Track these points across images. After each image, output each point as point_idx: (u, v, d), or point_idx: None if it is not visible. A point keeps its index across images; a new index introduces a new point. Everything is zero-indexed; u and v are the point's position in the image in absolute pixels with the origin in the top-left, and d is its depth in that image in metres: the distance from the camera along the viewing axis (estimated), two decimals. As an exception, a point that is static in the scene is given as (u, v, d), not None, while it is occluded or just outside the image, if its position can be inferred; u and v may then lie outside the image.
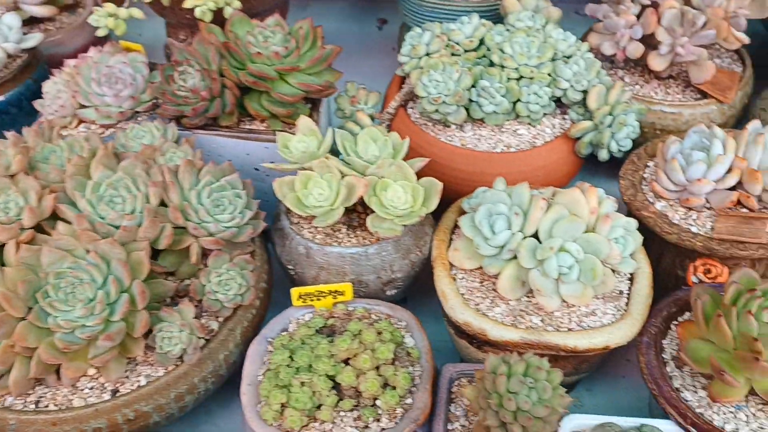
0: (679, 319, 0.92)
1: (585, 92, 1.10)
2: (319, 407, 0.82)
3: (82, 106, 1.09)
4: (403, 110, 1.15)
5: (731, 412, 0.82)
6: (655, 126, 1.19)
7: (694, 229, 0.98)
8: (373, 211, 0.93)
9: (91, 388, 0.84)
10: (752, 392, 0.82)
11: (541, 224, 0.89)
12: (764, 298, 0.80)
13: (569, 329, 0.88)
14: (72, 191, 0.86)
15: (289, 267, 0.97)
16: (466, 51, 1.13)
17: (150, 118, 1.08)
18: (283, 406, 0.81)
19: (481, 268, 0.93)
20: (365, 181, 0.90)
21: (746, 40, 1.15)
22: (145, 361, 0.86)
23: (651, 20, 1.12)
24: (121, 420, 0.82)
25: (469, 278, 0.95)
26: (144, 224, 0.83)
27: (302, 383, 0.81)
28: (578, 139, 1.11)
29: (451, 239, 0.99)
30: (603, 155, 1.11)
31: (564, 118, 1.14)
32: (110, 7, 1.05)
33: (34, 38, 1.21)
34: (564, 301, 0.90)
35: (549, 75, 1.10)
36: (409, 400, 0.83)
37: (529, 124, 1.12)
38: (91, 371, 0.85)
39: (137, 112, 1.10)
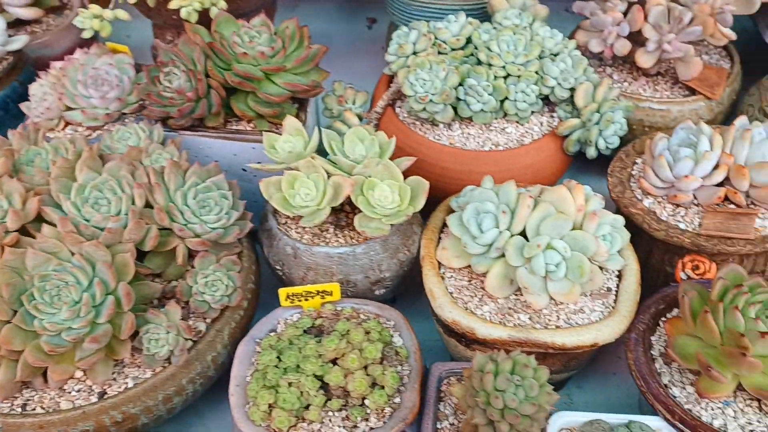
0: (668, 315, 0.93)
1: (572, 90, 1.10)
2: (307, 407, 0.81)
3: (69, 108, 1.09)
4: (391, 109, 1.15)
5: (719, 408, 0.82)
6: (643, 123, 1.19)
7: (682, 226, 0.98)
8: (360, 211, 0.93)
9: (79, 391, 0.83)
10: (740, 388, 0.82)
11: (528, 222, 0.89)
12: (751, 294, 0.81)
13: (557, 327, 0.88)
14: (57, 193, 0.85)
15: (277, 267, 0.97)
16: (453, 49, 1.13)
17: (137, 120, 1.07)
18: (270, 406, 0.81)
19: (469, 266, 0.93)
20: (352, 181, 0.90)
21: (733, 36, 1.15)
22: (132, 363, 0.85)
23: (638, 17, 1.12)
24: (109, 422, 0.82)
25: (457, 277, 0.95)
26: (129, 226, 0.83)
27: (290, 384, 0.81)
28: (566, 136, 1.11)
29: (439, 238, 0.99)
30: (591, 153, 1.11)
31: (552, 116, 1.15)
32: (95, 8, 1.05)
33: (20, 40, 1.21)
34: (552, 298, 0.90)
35: (536, 73, 1.10)
36: (397, 400, 0.83)
37: (517, 122, 1.12)
38: (78, 374, 0.84)
39: (124, 113, 1.10)
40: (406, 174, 0.97)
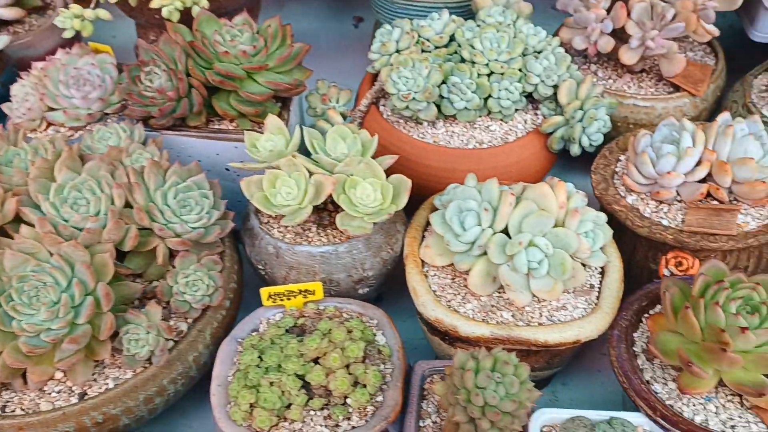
0: (651, 311, 0.93)
1: (556, 87, 1.10)
2: (288, 407, 0.81)
3: (50, 109, 1.08)
4: (375, 108, 1.14)
5: (701, 404, 0.82)
6: (628, 120, 1.19)
7: (665, 222, 0.98)
8: (342, 210, 0.93)
9: (59, 392, 0.83)
10: (722, 383, 0.82)
11: (511, 220, 0.89)
12: (732, 290, 0.81)
13: (540, 324, 0.88)
14: (35, 194, 0.85)
15: (259, 267, 0.97)
16: (436, 47, 1.13)
17: (119, 120, 1.07)
18: (252, 406, 0.81)
19: (452, 264, 0.93)
20: (333, 179, 0.90)
21: (716, 32, 1.15)
22: (113, 364, 0.85)
23: (621, 14, 1.12)
24: (90, 423, 0.82)
25: (441, 275, 0.95)
26: (108, 226, 0.82)
27: (271, 383, 0.81)
28: (550, 134, 1.11)
29: (423, 236, 0.99)
30: (575, 150, 1.11)
31: (536, 114, 1.14)
32: (76, 8, 1.04)
33: (2, 41, 1.20)
34: (534, 296, 0.90)
35: (520, 70, 1.10)
36: (380, 398, 0.83)
37: (501, 120, 1.12)
38: (59, 375, 0.84)
39: (106, 113, 1.09)
40: (390, 172, 0.96)
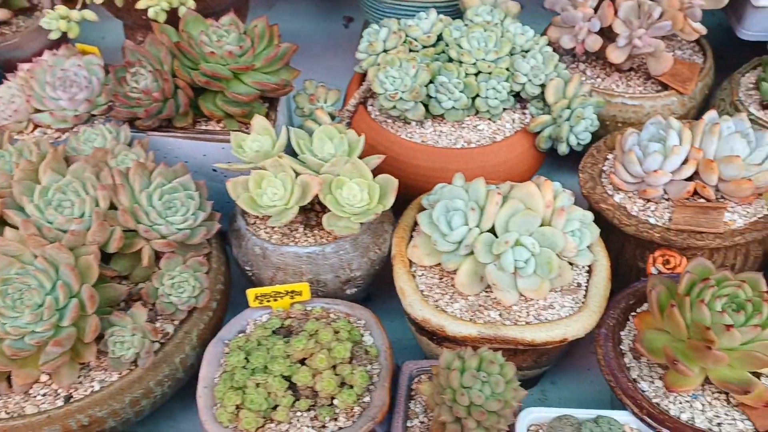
0: (638, 310, 0.93)
1: (543, 86, 1.10)
2: (275, 408, 0.81)
3: (37, 111, 1.08)
4: (363, 108, 1.14)
5: (687, 402, 0.82)
6: (616, 119, 1.20)
7: (652, 221, 0.98)
8: (329, 210, 0.92)
9: (44, 395, 0.83)
10: (708, 381, 0.82)
11: (497, 219, 0.89)
12: (717, 288, 0.81)
13: (527, 323, 0.88)
14: (19, 196, 0.85)
15: (246, 268, 0.97)
16: (424, 47, 1.13)
17: (107, 121, 1.07)
18: (238, 407, 0.80)
19: (440, 264, 0.93)
20: (320, 180, 0.90)
21: (703, 30, 1.16)
22: (98, 367, 0.85)
23: (608, 12, 1.12)
24: (75, 426, 0.82)
25: (428, 275, 0.95)
26: (92, 228, 0.82)
27: (257, 384, 0.81)
28: (538, 133, 1.11)
29: (411, 236, 0.99)
30: (562, 149, 1.11)
31: (524, 113, 1.14)
32: (62, 9, 1.04)
33: (-12, 42, 1.20)
34: (522, 295, 0.90)
35: (507, 70, 1.10)
36: (367, 399, 0.83)
37: (489, 119, 1.12)
38: (44, 378, 0.84)
39: (93, 115, 1.09)
40: (379, 172, 0.96)
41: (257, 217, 0.97)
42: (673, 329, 0.82)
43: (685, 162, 0.99)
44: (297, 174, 0.91)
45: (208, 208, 0.92)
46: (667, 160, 0.98)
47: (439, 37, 1.14)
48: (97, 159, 0.90)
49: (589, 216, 0.94)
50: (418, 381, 0.88)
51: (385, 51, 1.11)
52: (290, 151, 0.98)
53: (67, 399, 0.82)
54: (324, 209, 0.97)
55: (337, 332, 0.86)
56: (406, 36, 1.13)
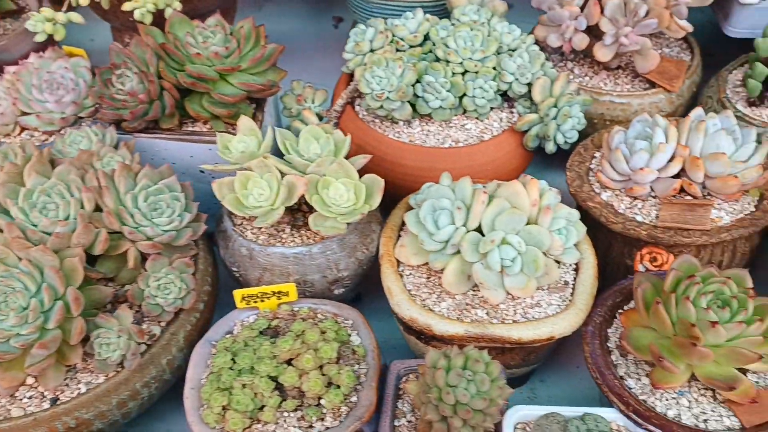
0: (625, 307, 0.93)
1: (530, 85, 1.11)
2: (261, 408, 0.81)
3: (24, 113, 1.08)
4: (350, 108, 1.14)
5: (674, 398, 0.82)
6: (604, 117, 1.20)
7: (639, 218, 0.99)
8: (316, 210, 0.92)
9: (30, 398, 0.83)
10: (695, 378, 0.82)
11: (483, 218, 0.89)
12: (703, 284, 0.81)
13: (514, 321, 0.89)
14: (4, 199, 0.84)
15: (233, 269, 0.97)
16: (411, 46, 1.13)
17: (94, 124, 1.07)
18: (224, 408, 0.80)
19: (427, 263, 0.93)
20: (305, 180, 0.90)
21: (690, 28, 1.16)
22: (85, 369, 0.85)
23: (594, 11, 1.12)
24: (62, 428, 0.81)
25: (416, 274, 0.95)
26: (77, 230, 0.82)
27: (244, 385, 0.81)
28: (525, 132, 1.11)
29: (399, 236, 0.99)
30: (550, 147, 1.11)
31: (512, 112, 1.15)
32: (47, 11, 1.04)
33: (-25, 45, 1.20)
34: (509, 293, 0.90)
35: (494, 69, 1.10)
36: (354, 398, 0.83)
37: (477, 118, 1.12)
38: (30, 380, 0.83)
39: (80, 117, 1.09)
40: (367, 172, 0.96)
41: (244, 217, 0.97)
42: (658, 326, 0.82)
43: (671, 159, 0.99)
44: (283, 174, 0.91)
45: (194, 210, 0.92)
46: (654, 158, 0.98)
47: (426, 37, 1.14)
48: (82, 161, 0.90)
49: (576, 214, 0.94)
50: (406, 380, 0.88)
51: (371, 51, 1.12)
52: (278, 151, 0.98)
53: (54, 401, 0.82)
54: (311, 210, 0.97)
55: (323, 332, 0.86)
56: (393, 36, 1.13)
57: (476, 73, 1.09)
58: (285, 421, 0.81)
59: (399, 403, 0.86)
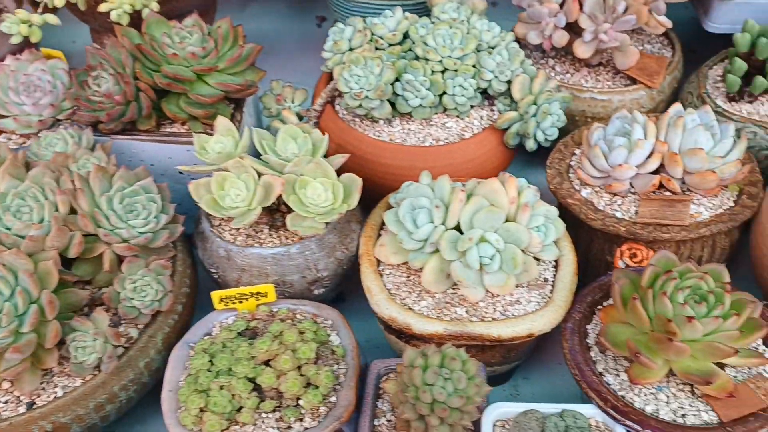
0: (604, 304, 0.93)
1: (510, 83, 1.10)
2: (239, 410, 0.81)
3: (1, 116, 1.07)
4: (330, 107, 1.14)
5: (652, 394, 0.82)
6: (586, 114, 1.20)
7: (618, 215, 0.99)
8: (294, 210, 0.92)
9: (6, 402, 0.82)
10: (673, 373, 0.83)
11: (462, 216, 0.89)
12: (680, 280, 0.81)
13: (493, 319, 0.88)
14: (-23, 202, 0.84)
15: (212, 270, 0.96)
16: (390, 45, 1.13)
17: (72, 126, 1.06)
18: (201, 410, 0.80)
19: (407, 262, 0.93)
20: (282, 180, 0.89)
21: (669, 24, 1.16)
22: (62, 372, 0.84)
23: (573, 7, 1.12)
24: (39, 433, 0.81)
25: (396, 273, 0.95)
26: (51, 233, 0.82)
27: (221, 387, 0.80)
28: (506, 130, 1.11)
29: (379, 235, 0.99)
30: (530, 145, 1.11)
31: (492, 110, 1.14)
32: (22, 13, 1.03)
33: (-48, 48, 1.19)
34: (488, 291, 0.90)
35: (473, 66, 1.10)
36: (333, 399, 0.83)
37: (458, 116, 1.12)
38: (6, 384, 0.83)
39: (58, 120, 1.08)
40: (348, 171, 0.96)
41: (222, 219, 0.96)
42: (636, 322, 0.83)
43: (650, 155, 0.99)
44: (260, 175, 0.91)
45: (171, 211, 0.91)
46: (632, 154, 0.98)
47: (406, 35, 1.14)
48: (57, 164, 0.89)
49: (554, 211, 0.94)
50: (386, 379, 0.88)
51: (350, 49, 1.11)
52: (257, 152, 0.97)
53: (30, 405, 0.81)
54: (290, 210, 0.97)
55: (302, 333, 0.85)
56: (372, 34, 1.13)
57: (455, 71, 1.09)
58: (263, 422, 0.81)
59: (379, 402, 0.86)
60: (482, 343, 0.88)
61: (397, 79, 1.07)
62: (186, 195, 1.01)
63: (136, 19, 1.09)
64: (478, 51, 1.11)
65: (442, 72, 1.09)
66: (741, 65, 1.11)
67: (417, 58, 1.11)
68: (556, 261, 0.95)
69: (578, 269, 0.95)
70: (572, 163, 1.07)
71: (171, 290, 0.88)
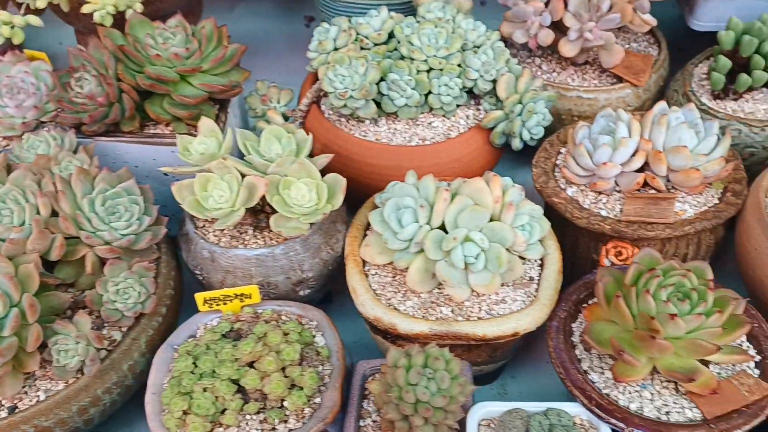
0: (589, 302, 0.93)
1: (495, 82, 1.10)
2: (223, 412, 0.80)
3: (-16, 119, 1.06)
4: (316, 107, 1.14)
5: (636, 391, 0.83)
6: (572, 112, 1.20)
7: (603, 213, 0.99)
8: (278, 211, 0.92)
9: (-12, 407, 0.82)
10: (657, 371, 0.83)
11: (446, 215, 0.89)
12: (663, 277, 0.81)
13: (479, 318, 0.88)
14: (-42, 206, 0.83)
15: (196, 272, 0.96)
16: (375, 45, 1.13)
17: (56, 128, 1.05)
18: (185, 413, 0.80)
19: (393, 262, 0.93)
20: (266, 181, 0.89)
21: (653, 22, 1.16)
22: (44, 376, 0.84)
23: (558, 6, 1.12)
24: (21, 437, 0.80)
25: (381, 273, 0.94)
26: (32, 236, 0.81)
27: (204, 389, 0.80)
28: (492, 129, 1.11)
29: (365, 235, 0.99)
30: (516, 144, 1.11)
31: (478, 109, 1.14)
32: (4, 15, 1.02)
33: (-65, 51, 1.18)
34: (473, 290, 0.89)
35: (459, 66, 1.10)
36: (318, 400, 0.82)
37: (444, 116, 1.12)
38: (-12, 389, 0.82)
39: (42, 122, 1.07)
40: (333, 171, 0.96)
41: (206, 220, 0.96)
42: (619, 320, 0.83)
43: (634, 153, 0.99)
44: (243, 175, 0.91)
45: (154, 213, 0.91)
46: (617, 152, 0.98)
47: (391, 35, 1.14)
48: (39, 166, 0.89)
49: (539, 210, 0.94)
50: (372, 380, 0.88)
51: (335, 49, 1.11)
52: (242, 153, 0.97)
53: (12, 410, 0.81)
54: (274, 211, 0.97)
55: (286, 334, 0.85)
56: (357, 34, 1.13)
57: (441, 70, 1.09)
58: (247, 423, 0.80)
59: (364, 403, 0.86)
60: (468, 343, 0.88)
61: (382, 79, 1.07)
62: (171, 197, 1.00)
63: (119, 21, 1.08)
64: (464, 50, 1.11)
65: (428, 71, 1.09)
66: (725, 63, 1.11)
67: (402, 57, 1.11)
68: (541, 260, 0.95)
69: (564, 268, 0.95)
70: (558, 162, 1.07)
71: (154, 292, 0.88)
